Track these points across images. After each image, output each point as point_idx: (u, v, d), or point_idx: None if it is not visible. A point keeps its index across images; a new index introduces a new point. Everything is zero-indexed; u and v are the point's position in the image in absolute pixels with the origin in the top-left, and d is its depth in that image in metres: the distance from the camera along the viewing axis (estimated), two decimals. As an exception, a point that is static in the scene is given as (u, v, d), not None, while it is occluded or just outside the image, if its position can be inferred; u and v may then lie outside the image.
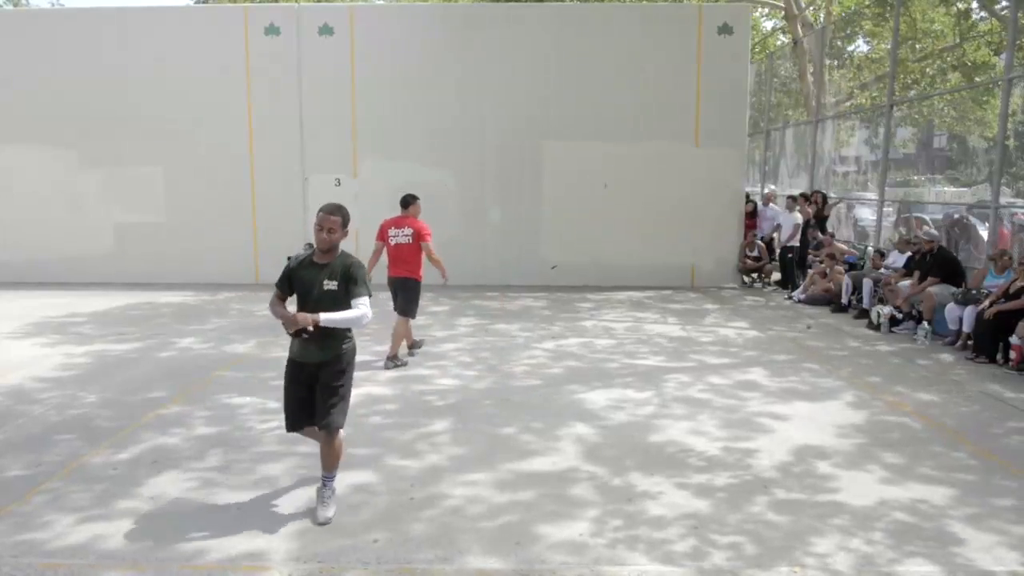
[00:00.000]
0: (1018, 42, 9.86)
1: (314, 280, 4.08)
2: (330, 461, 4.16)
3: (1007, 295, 7.82)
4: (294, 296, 4.22)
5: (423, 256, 7.36)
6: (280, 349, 8.11)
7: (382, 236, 7.46)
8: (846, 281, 10.71)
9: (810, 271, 11.85)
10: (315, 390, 4.13)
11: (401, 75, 12.59)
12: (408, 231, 7.32)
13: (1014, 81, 9.53)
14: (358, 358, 8.05)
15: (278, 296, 4.24)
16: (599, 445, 5.25)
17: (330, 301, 4.03)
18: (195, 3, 23.36)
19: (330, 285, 4.06)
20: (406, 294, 7.39)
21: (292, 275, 4.17)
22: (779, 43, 20.94)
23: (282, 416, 5.76)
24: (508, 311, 10.49)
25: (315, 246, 4.18)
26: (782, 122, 17.83)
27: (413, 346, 7.89)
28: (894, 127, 12.98)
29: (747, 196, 13.81)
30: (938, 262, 9.06)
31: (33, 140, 12.83)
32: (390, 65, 12.62)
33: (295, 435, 5.40)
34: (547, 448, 5.18)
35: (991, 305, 7.81)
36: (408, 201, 7.48)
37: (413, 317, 7.52)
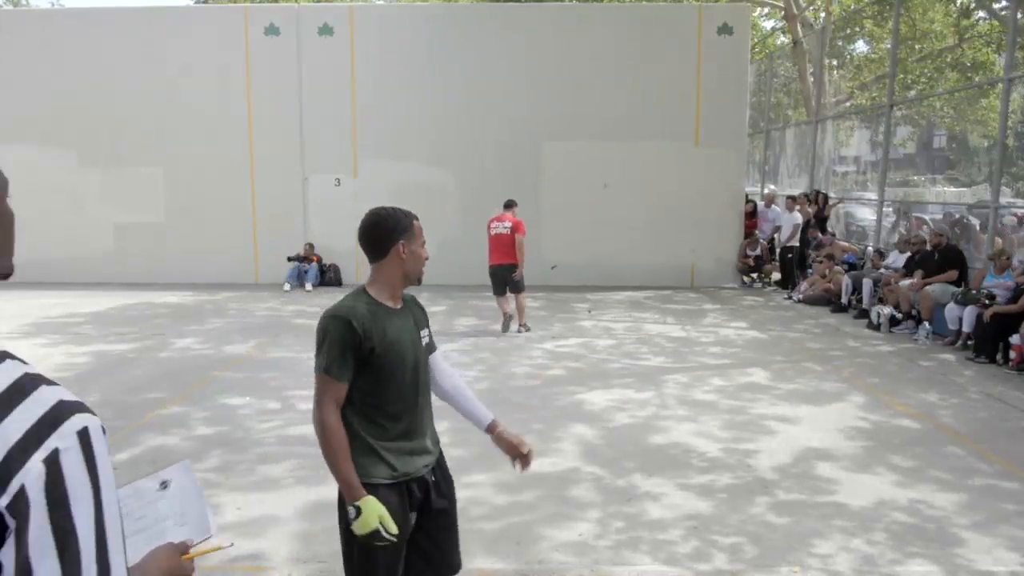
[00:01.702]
0: (1019, 41, 9.86)
1: (407, 334, 2.41)
2: None
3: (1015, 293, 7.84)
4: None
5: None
6: (281, 349, 8.13)
7: (488, 230, 8.88)
8: (846, 281, 10.71)
9: (810, 272, 11.85)
10: (425, 519, 2.47)
11: (401, 75, 12.59)
12: (507, 224, 8.70)
13: (1014, 81, 9.53)
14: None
15: (335, 396, 2.29)
16: (599, 446, 5.24)
17: (426, 364, 2.52)
18: (195, 3, 23.35)
19: (426, 338, 2.53)
20: (510, 280, 8.71)
21: (366, 334, 2.28)
22: (779, 43, 20.95)
23: (284, 415, 5.81)
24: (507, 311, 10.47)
25: (412, 278, 2.44)
26: (782, 122, 17.83)
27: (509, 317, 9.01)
28: (894, 127, 12.98)
29: (747, 196, 13.81)
30: (949, 256, 9.07)
31: (33, 140, 12.82)
32: (390, 65, 12.62)
33: (297, 434, 5.43)
34: (548, 449, 5.18)
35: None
36: (508, 204, 8.96)
37: (524, 291, 8.86)
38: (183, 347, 8.24)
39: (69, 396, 0.90)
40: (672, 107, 12.65)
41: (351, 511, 2.24)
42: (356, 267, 12.95)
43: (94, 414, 0.91)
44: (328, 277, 12.68)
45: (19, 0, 26.38)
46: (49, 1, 32.63)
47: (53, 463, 0.85)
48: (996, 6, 15.95)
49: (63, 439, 0.86)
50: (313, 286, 12.29)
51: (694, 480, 4.63)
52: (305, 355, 7.76)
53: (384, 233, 2.37)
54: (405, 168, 12.78)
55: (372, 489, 2.27)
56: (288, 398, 6.22)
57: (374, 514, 2.21)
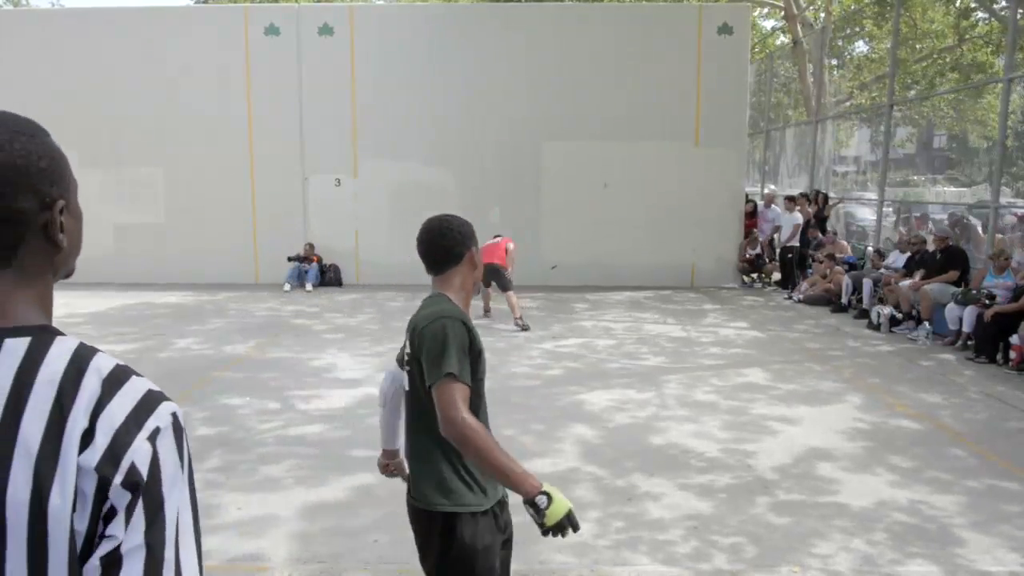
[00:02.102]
0: (1020, 43, 9.86)
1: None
2: None
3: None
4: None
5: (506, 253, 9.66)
6: (281, 349, 8.13)
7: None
8: (846, 281, 10.71)
9: (810, 272, 11.85)
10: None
11: (401, 75, 12.59)
12: (498, 239, 9.87)
13: (1014, 81, 9.54)
14: (360, 356, 7.98)
15: (466, 399, 2.13)
16: (599, 446, 5.24)
17: None
18: (195, 3, 23.35)
19: None
20: (499, 277, 9.40)
21: (476, 337, 2.30)
22: (779, 43, 20.95)
23: (284, 416, 5.82)
24: (507, 311, 10.47)
25: (478, 285, 2.56)
26: (782, 122, 17.83)
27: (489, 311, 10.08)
28: (894, 127, 12.99)
29: (747, 196, 13.81)
30: (952, 256, 9.07)
31: (33, 140, 12.80)
32: (390, 65, 12.61)
33: (296, 435, 5.43)
34: (547, 449, 5.18)
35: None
36: (499, 235, 10.09)
37: (511, 289, 9.48)
38: (183, 347, 8.24)
39: (155, 387, 0.98)
40: (672, 107, 12.64)
41: (541, 500, 1.99)
42: (356, 267, 12.96)
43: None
44: (328, 277, 12.68)
45: (19, 0, 26.38)
46: (49, 1, 32.65)
47: (153, 443, 0.92)
48: (996, 6, 15.95)
49: (160, 420, 0.94)
50: (313, 286, 12.29)
51: (694, 480, 4.63)
52: (305, 355, 7.76)
53: (460, 239, 2.30)
54: (405, 168, 12.78)
55: (469, 518, 2.14)
56: (288, 398, 6.22)
57: (563, 498, 2.03)
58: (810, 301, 11.13)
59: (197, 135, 12.69)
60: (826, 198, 12.99)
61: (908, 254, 10.02)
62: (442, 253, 2.30)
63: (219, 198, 12.84)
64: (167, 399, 0.97)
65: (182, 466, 0.95)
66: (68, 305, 10.62)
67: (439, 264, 2.31)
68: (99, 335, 8.79)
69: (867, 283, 10.19)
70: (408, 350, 2.26)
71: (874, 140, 14.51)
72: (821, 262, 11.54)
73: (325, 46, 12.61)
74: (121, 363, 0.97)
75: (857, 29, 18.68)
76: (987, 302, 7.95)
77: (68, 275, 1.08)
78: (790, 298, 11.61)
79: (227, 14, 13.09)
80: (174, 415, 0.96)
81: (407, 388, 2.27)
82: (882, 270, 10.38)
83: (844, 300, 10.64)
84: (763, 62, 18.96)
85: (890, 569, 3.58)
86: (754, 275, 13.17)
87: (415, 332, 2.21)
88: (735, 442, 5.31)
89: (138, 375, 0.97)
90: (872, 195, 13.09)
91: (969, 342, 8.11)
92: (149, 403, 0.94)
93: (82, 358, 0.94)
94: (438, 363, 2.10)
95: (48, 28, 12.90)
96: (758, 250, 13.10)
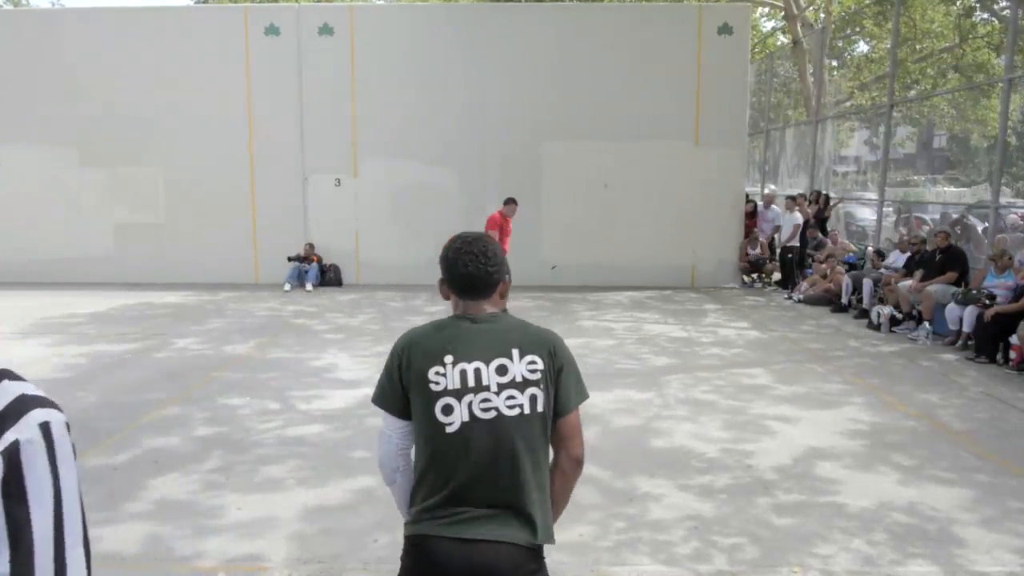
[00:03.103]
0: (1020, 43, 9.86)
1: None
2: None
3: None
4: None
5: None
6: (281, 349, 8.13)
7: None
8: (846, 281, 10.71)
9: (810, 272, 11.85)
10: None
11: (401, 75, 12.59)
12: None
13: (1014, 81, 9.54)
14: (360, 356, 7.97)
15: None
16: (600, 447, 5.23)
17: None
18: (195, 3, 23.35)
19: None
20: None
21: None
22: (779, 43, 20.95)
23: (284, 416, 5.82)
24: (512, 309, 10.48)
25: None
26: (782, 122, 17.83)
27: None
28: (894, 127, 12.98)
29: (747, 196, 13.81)
30: (951, 257, 9.07)
31: (33, 140, 12.82)
32: (390, 65, 12.61)
33: (296, 436, 5.43)
34: (548, 449, 5.17)
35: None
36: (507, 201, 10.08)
37: None
38: (183, 347, 8.23)
39: (32, 391, 0.87)
40: (672, 107, 12.63)
41: None
42: (356, 267, 12.96)
43: (59, 410, 0.89)
44: (328, 277, 12.68)
45: (19, 0, 26.37)
46: (49, 1, 32.64)
47: (13, 455, 0.82)
48: (996, 7, 15.96)
49: (24, 431, 0.84)
50: (313, 286, 12.28)
51: (694, 481, 4.63)
52: (305, 356, 7.76)
53: (503, 260, 2.07)
54: (405, 168, 12.77)
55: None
56: (288, 398, 6.22)
57: None
58: (810, 301, 11.13)
59: (197, 135, 12.68)
60: (827, 199, 12.99)
61: (908, 254, 10.02)
62: (494, 277, 2.02)
63: (219, 198, 12.83)
64: (44, 405, 0.86)
65: (55, 477, 0.84)
66: (68, 305, 10.62)
67: (491, 290, 2.02)
68: (99, 335, 8.79)
69: (867, 283, 10.20)
70: (541, 367, 1.93)
71: (871, 143, 14.52)
72: (821, 262, 11.54)
73: (325, 46, 12.61)
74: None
75: (857, 29, 18.68)
76: (987, 302, 7.95)
77: None
78: (790, 298, 11.60)
79: (227, 14, 13.09)
80: (45, 424, 0.85)
81: (511, 413, 1.91)
82: (882, 270, 10.38)
83: (844, 300, 10.64)
84: (763, 62, 18.96)
85: (890, 569, 3.58)
86: (754, 275, 13.18)
87: (552, 349, 1.96)
88: (736, 442, 5.31)
89: (15, 378, 0.87)
90: (872, 195, 13.09)
91: (969, 342, 8.11)
92: (17, 410, 0.84)
93: None
94: (583, 386, 2.03)
95: (48, 28, 12.89)
96: (758, 250, 13.10)
